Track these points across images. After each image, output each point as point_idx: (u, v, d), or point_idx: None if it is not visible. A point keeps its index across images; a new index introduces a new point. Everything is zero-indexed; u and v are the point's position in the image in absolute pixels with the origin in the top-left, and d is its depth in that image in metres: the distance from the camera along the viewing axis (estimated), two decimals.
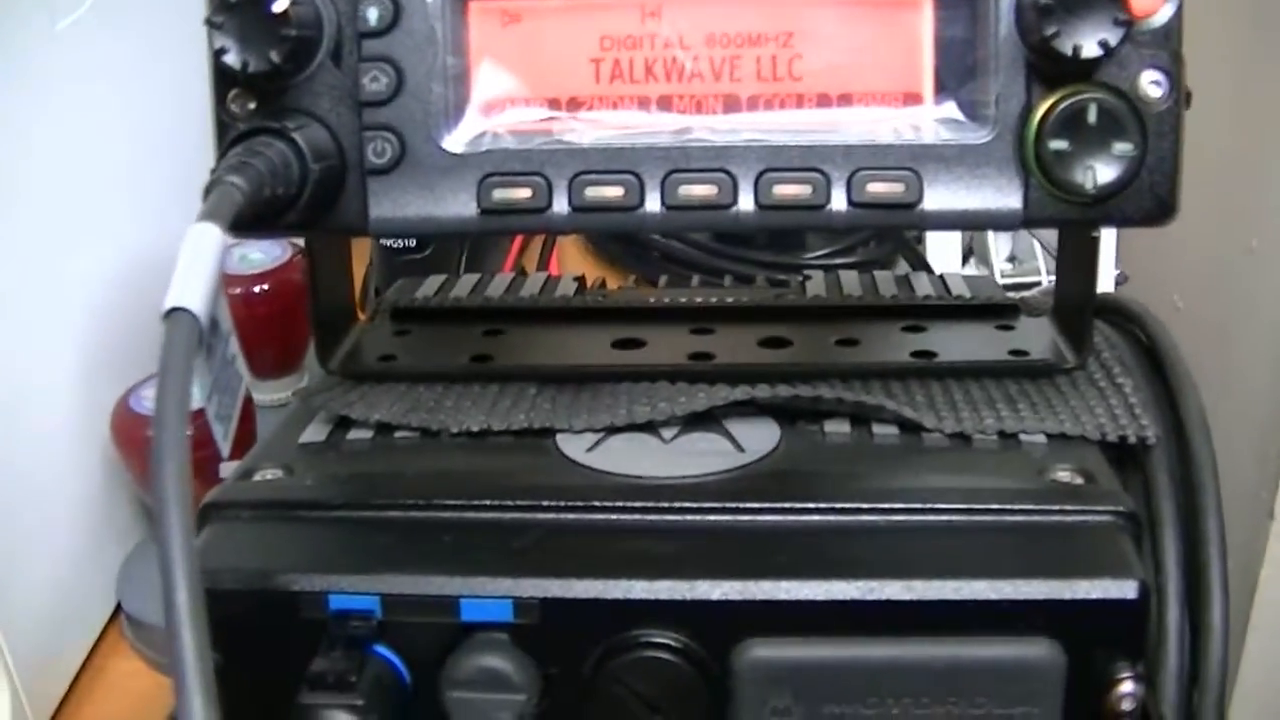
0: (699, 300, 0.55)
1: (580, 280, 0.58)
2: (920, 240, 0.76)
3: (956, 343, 0.50)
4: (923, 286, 0.56)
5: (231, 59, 0.39)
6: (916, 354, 0.49)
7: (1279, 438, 0.57)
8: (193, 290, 0.33)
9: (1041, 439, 0.43)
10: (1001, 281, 0.74)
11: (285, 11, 0.39)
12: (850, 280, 0.57)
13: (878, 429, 0.44)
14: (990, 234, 0.76)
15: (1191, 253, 0.64)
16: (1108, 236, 0.74)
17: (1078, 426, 0.43)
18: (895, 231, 0.77)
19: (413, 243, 0.73)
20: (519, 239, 0.78)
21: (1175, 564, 0.42)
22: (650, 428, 0.44)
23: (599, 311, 0.54)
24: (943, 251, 0.74)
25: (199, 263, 0.34)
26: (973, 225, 0.42)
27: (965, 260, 0.78)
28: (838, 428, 0.44)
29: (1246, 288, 0.61)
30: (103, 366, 0.62)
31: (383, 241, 0.73)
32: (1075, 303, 0.48)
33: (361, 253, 0.75)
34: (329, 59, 0.40)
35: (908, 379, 0.47)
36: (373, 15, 0.40)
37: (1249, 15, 0.61)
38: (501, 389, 0.47)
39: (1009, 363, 0.48)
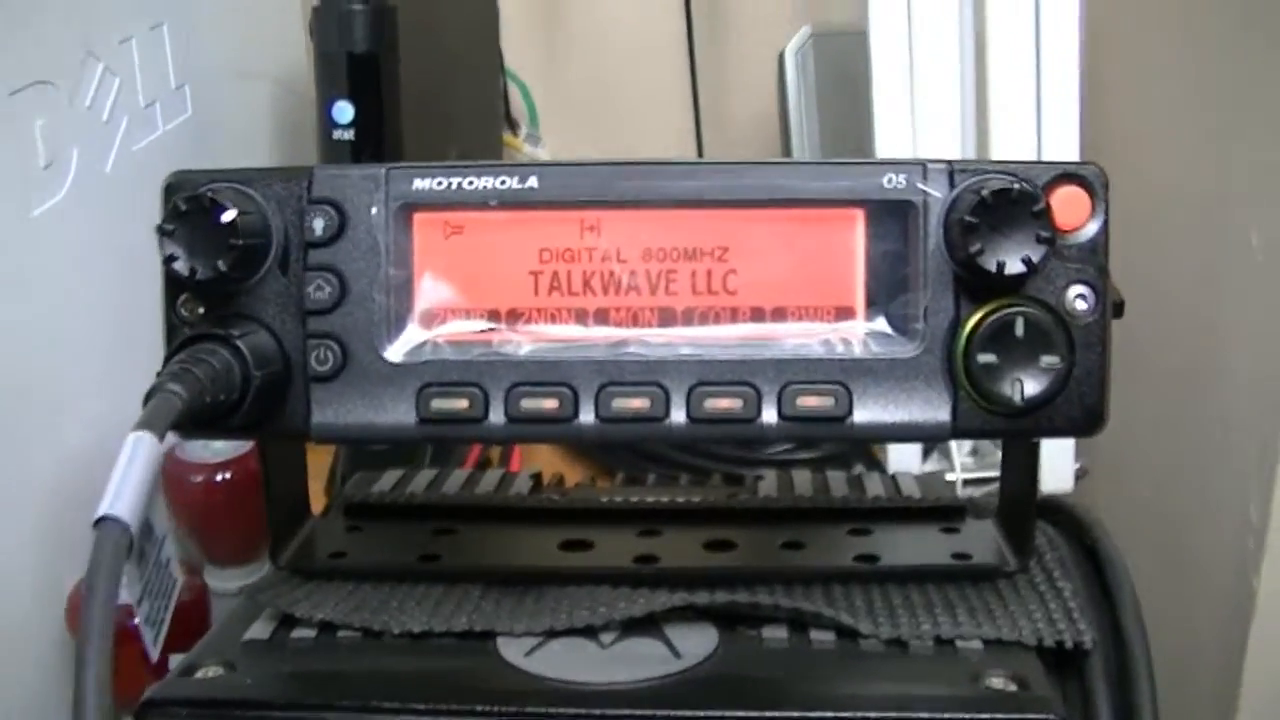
0: (650, 500, 0.53)
1: (536, 477, 0.57)
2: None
3: (900, 546, 0.48)
4: (874, 486, 0.54)
5: (180, 266, 0.38)
6: (860, 557, 0.47)
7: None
8: (124, 499, 0.32)
9: (978, 645, 0.41)
10: (963, 476, 0.72)
11: (234, 221, 0.38)
12: (802, 480, 0.55)
13: (815, 635, 0.42)
14: None
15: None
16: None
17: (1014, 632, 0.42)
18: None
19: None
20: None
21: None
22: (590, 632, 0.43)
23: (550, 512, 0.52)
24: (903, 448, 0.73)
25: (133, 471, 0.33)
26: (902, 438, 0.41)
27: (927, 454, 0.77)
28: (775, 633, 0.42)
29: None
30: (62, 550, 0.60)
31: None
32: (1018, 507, 0.47)
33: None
34: (276, 267, 0.40)
35: (849, 583, 0.45)
36: (319, 226, 0.39)
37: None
38: (447, 590, 0.45)
39: (950, 567, 0.46)
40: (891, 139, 0.67)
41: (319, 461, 0.72)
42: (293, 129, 0.86)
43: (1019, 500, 0.47)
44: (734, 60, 1.03)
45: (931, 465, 0.76)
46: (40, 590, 0.59)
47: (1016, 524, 0.47)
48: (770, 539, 0.49)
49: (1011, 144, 0.68)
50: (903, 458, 0.72)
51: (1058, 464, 0.71)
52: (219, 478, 0.65)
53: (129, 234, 0.65)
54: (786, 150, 0.86)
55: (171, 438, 0.68)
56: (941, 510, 0.51)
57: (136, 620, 0.35)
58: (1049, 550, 0.47)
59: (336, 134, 0.71)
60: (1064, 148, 0.68)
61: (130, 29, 0.68)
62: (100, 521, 0.31)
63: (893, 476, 0.56)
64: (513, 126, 0.99)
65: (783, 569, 0.46)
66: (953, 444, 0.74)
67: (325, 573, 0.47)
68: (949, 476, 0.71)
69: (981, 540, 0.48)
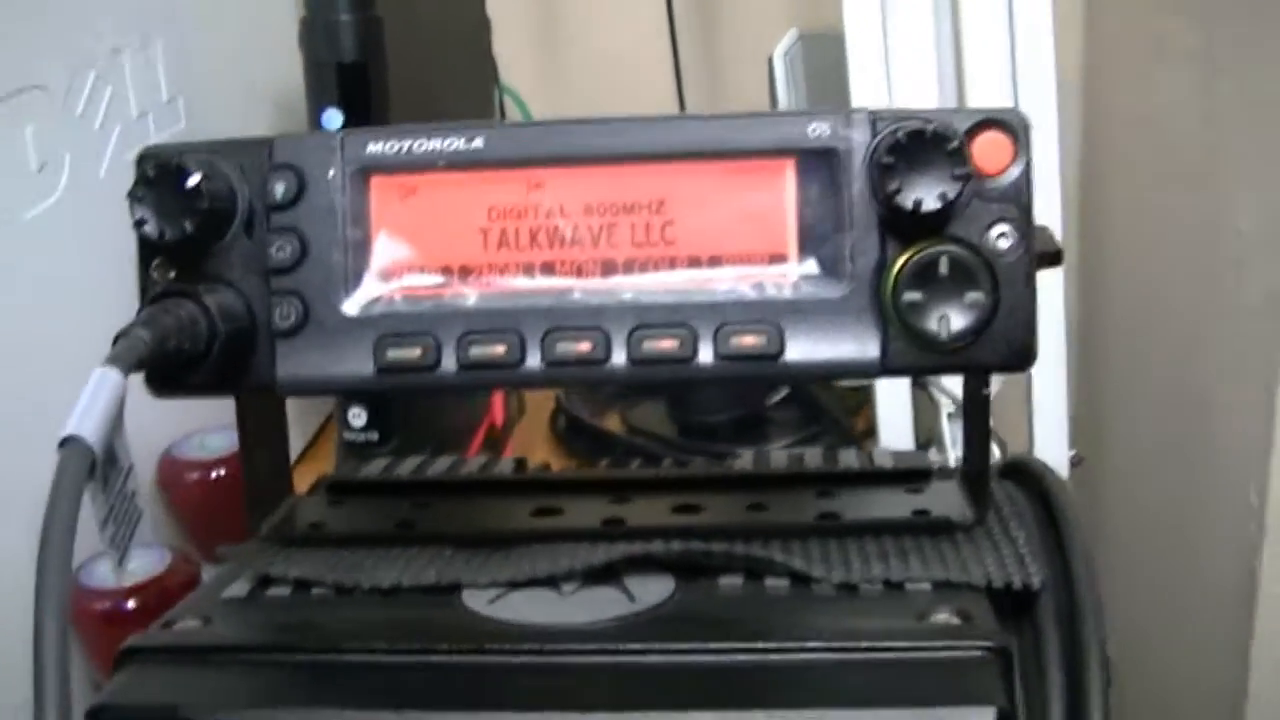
0: (622, 475, 0.57)
1: (520, 462, 0.61)
2: (872, 433, 0.79)
3: (863, 505, 0.52)
4: (847, 460, 0.58)
5: (150, 229, 0.43)
6: (822, 515, 0.51)
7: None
8: (88, 422, 0.37)
9: (927, 587, 0.44)
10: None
11: (199, 185, 0.43)
12: (778, 458, 0.59)
13: (770, 582, 0.46)
14: (944, 421, 0.78)
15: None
16: (1058, 419, 0.77)
17: (964, 575, 0.45)
18: (837, 423, 0.81)
19: (375, 436, 0.76)
20: (482, 432, 0.82)
21: (1059, 699, 0.43)
22: (552, 583, 0.47)
23: (525, 485, 0.56)
24: (897, 440, 0.77)
25: (98, 399, 0.37)
26: (834, 375, 0.45)
27: (924, 450, 0.81)
28: (731, 580, 0.46)
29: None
30: None
31: (345, 437, 0.77)
32: (975, 463, 0.51)
33: (328, 449, 0.79)
34: (242, 229, 0.44)
35: (808, 538, 0.49)
36: (279, 190, 0.44)
37: None
38: (419, 551, 0.49)
39: (907, 521, 0.49)
40: (866, 97, 0.71)
41: (322, 468, 0.77)
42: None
43: (977, 456, 0.50)
44: (724, 64, 1.08)
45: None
46: (29, 577, 0.63)
47: (975, 480, 0.50)
48: (737, 503, 0.53)
49: (988, 98, 0.73)
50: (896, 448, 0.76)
51: (1050, 450, 0.75)
52: (214, 475, 0.70)
53: (123, 240, 0.71)
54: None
55: (167, 438, 0.73)
56: (907, 474, 0.55)
57: (100, 543, 0.39)
58: (1008, 505, 0.50)
59: None
60: (1040, 106, 0.72)
61: (122, 40, 0.74)
62: (64, 442, 0.35)
63: (869, 453, 0.60)
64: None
65: (745, 524, 0.50)
66: (946, 436, 0.78)
67: (304, 540, 0.51)
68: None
69: (943, 498, 0.52)
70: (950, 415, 0.78)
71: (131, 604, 0.67)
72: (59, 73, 0.68)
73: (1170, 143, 0.79)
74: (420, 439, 0.79)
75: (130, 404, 0.39)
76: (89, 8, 0.70)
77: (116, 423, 0.37)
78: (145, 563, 0.70)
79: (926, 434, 0.81)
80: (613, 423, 0.93)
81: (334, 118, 0.77)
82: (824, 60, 0.85)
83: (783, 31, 0.89)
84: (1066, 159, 0.81)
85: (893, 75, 0.71)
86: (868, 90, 0.70)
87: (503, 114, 1.02)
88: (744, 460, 0.59)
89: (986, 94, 0.71)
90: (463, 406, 0.83)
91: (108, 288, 0.70)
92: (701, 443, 0.84)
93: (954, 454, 0.77)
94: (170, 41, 0.78)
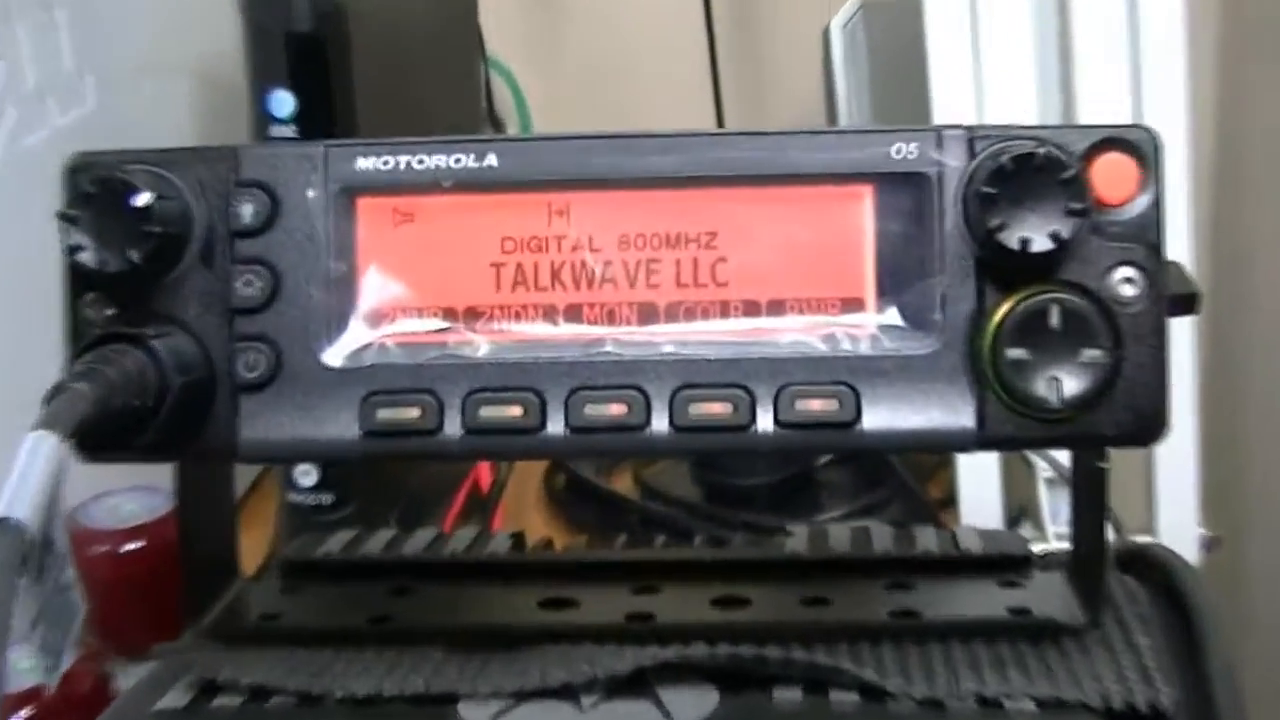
0: (648, 557, 0.60)
1: (517, 537, 0.64)
2: (951, 503, 0.82)
3: (946, 601, 0.54)
4: (925, 541, 0.60)
5: (87, 257, 0.46)
6: (897, 613, 0.53)
7: None
8: (23, 501, 0.39)
9: (1030, 706, 0.47)
10: (1055, 546, 0.78)
11: (149, 206, 0.45)
12: (839, 536, 0.62)
13: (835, 696, 0.48)
14: (1042, 491, 0.81)
15: None
16: (1187, 492, 0.79)
17: (1076, 691, 0.47)
18: (906, 490, 0.83)
19: (328, 499, 0.78)
20: (461, 497, 0.84)
21: None
22: (569, 694, 0.49)
23: (528, 569, 0.59)
24: (981, 512, 0.79)
25: (33, 472, 0.39)
26: (918, 447, 0.47)
27: (1017, 523, 0.83)
28: (787, 694, 0.48)
29: None
30: None
31: (291, 499, 0.79)
32: (1088, 552, 0.53)
33: (267, 514, 0.81)
34: (198, 259, 0.47)
35: (881, 641, 0.51)
36: (247, 212, 0.47)
37: None
38: (401, 651, 0.51)
39: (1004, 621, 0.52)
40: (951, 111, 0.74)
41: (257, 540, 0.79)
42: (225, 127, 0.94)
43: (1090, 543, 0.53)
44: (767, 40, 1.11)
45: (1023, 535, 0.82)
46: None
47: (1087, 573, 0.53)
48: (791, 594, 0.55)
49: (1103, 116, 0.75)
50: (980, 522, 0.79)
51: (1178, 530, 0.77)
52: (126, 548, 0.72)
53: (18, 235, 0.73)
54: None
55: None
56: (1000, 562, 0.57)
57: (28, 651, 0.42)
58: (1128, 605, 0.53)
59: (274, 130, 0.78)
60: (1169, 117, 0.75)
61: (17, 8, 0.76)
62: None
63: (952, 533, 0.62)
64: (496, 124, 1.07)
65: (801, 624, 0.52)
66: (1044, 507, 0.80)
67: (255, 636, 0.53)
68: (1037, 547, 0.78)
69: (1046, 594, 0.54)
70: (1049, 481, 0.81)
71: (23, 716, 0.68)
72: None
73: None
74: (384, 502, 0.81)
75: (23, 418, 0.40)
76: None
77: (54, 500, 0.40)
78: (144, 505, 0.74)
79: (1019, 504, 0.83)
80: (624, 483, 0.95)
81: (282, 101, 0.79)
82: (893, 34, 0.88)
83: (839, 1, 0.92)
84: (1198, 179, 0.84)
85: (982, 54, 0.73)
86: (951, 75, 0.73)
87: (489, 95, 1.04)
88: (796, 539, 0.62)
89: (1100, 85, 0.73)
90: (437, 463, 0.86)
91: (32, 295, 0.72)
92: (737, 511, 0.87)
93: (1052, 529, 0.79)
94: (78, 9, 0.81)
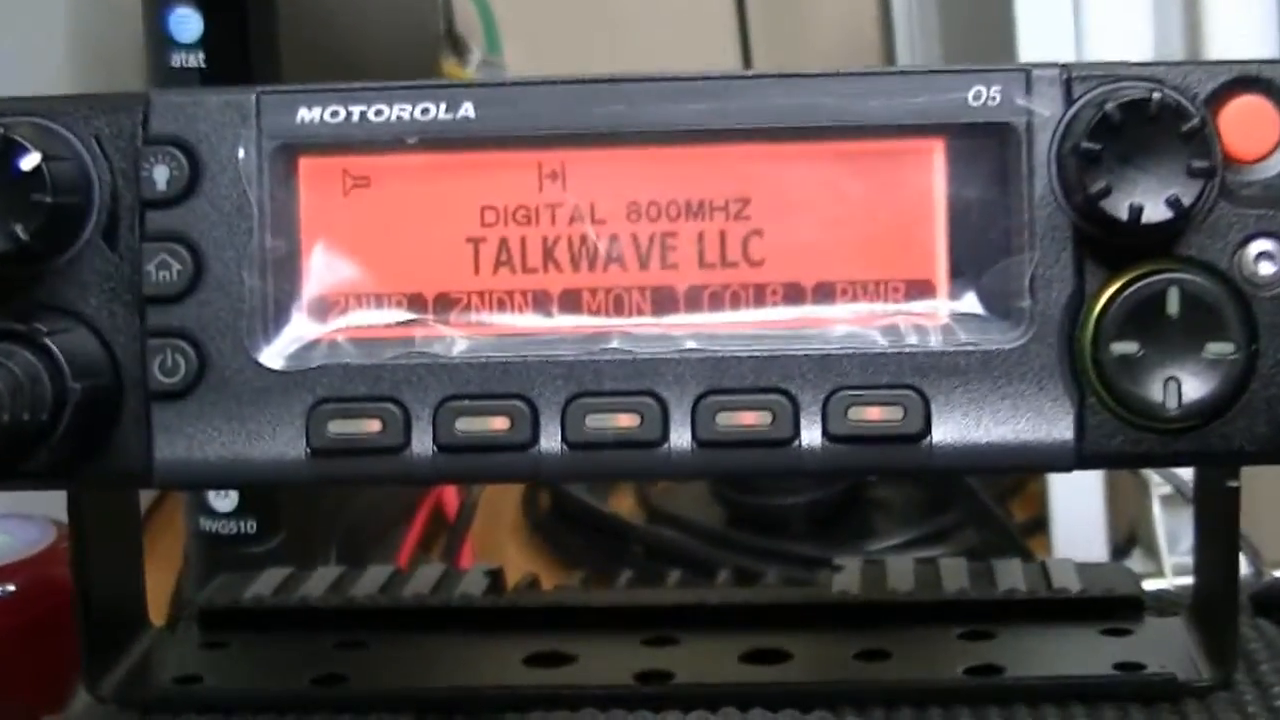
0: (663, 600, 0.61)
1: (495, 575, 0.65)
2: (1041, 527, 0.83)
3: (1037, 654, 0.56)
4: (1009, 576, 0.62)
5: None
6: (974, 669, 0.55)
7: None
8: None
9: None
10: (1175, 582, 0.80)
11: (39, 169, 0.46)
12: (901, 572, 0.63)
13: None
14: (1157, 511, 0.82)
15: None
16: None
17: None
18: (984, 512, 0.84)
19: (252, 528, 0.79)
20: (419, 523, 0.85)
21: None
22: None
23: (512, 615, 0.60)
24: (1080, 539, 0.81)
25: None
26: (1004, 467, 0.48)
27: (1123, 554, 0.85)
28: None
29: None
30: None
31: (202, 525, 0.80)
32: (1215, 595, 0.54)
33: (172, 545, 0.82)
34: (99, 236, 0.48)
35: (954, 705, 0.53)
36: (161, 176, 0.48)
37: None
38: None
39: (1109, 679, 0.53)
40: (1042, 45, 0.75)
41: (159, 580, 0.80)
42: (107, 53, 0.94)
43: (1216, 582, 0.54)
44: None
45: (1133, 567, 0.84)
46: None
47: (1214, 619, 0.54)
48: (842, 647, 0.57)
49: (1237, 45, 0.76)
50: (1079, 555, 0.80)
51: None
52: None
53: None
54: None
55: None
56: (1105, 604, 0.59)
57: None
58: (1266, 657, 0.54)
59: (176, 58, 0.78)
60: None
61: None
62: None
63: (1042, 565, 0.63)
64: (458, 49, 1.07)
65: (856, 684, 0.54)
66: (1159, 531, 0.82)
67: (171, 704, 0.55)
68: (1151, 584, 0.79)
69: (1163, 644, 0.56)
70: (1166, 499, 0.82)
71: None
72: None
73: None
74: (321, 530, 0.83)
75: None
76: None
77: None
78: (19, 538, 0.74)
79: (1128, 527, 0.85)
80: (624, 503, 0.96)
81: (186, 21, 0.79)
82: None
83: None
84: None
85: None
86: (1043, 15, 0.74)
87: (449, 9, 1.05)
88: (846, 576, 0.63)
89: (1234, 28, 0.74)
90: None
91: None
92: (769, 539, 0.88)
93: (1170, 560, 0.81)
94: None
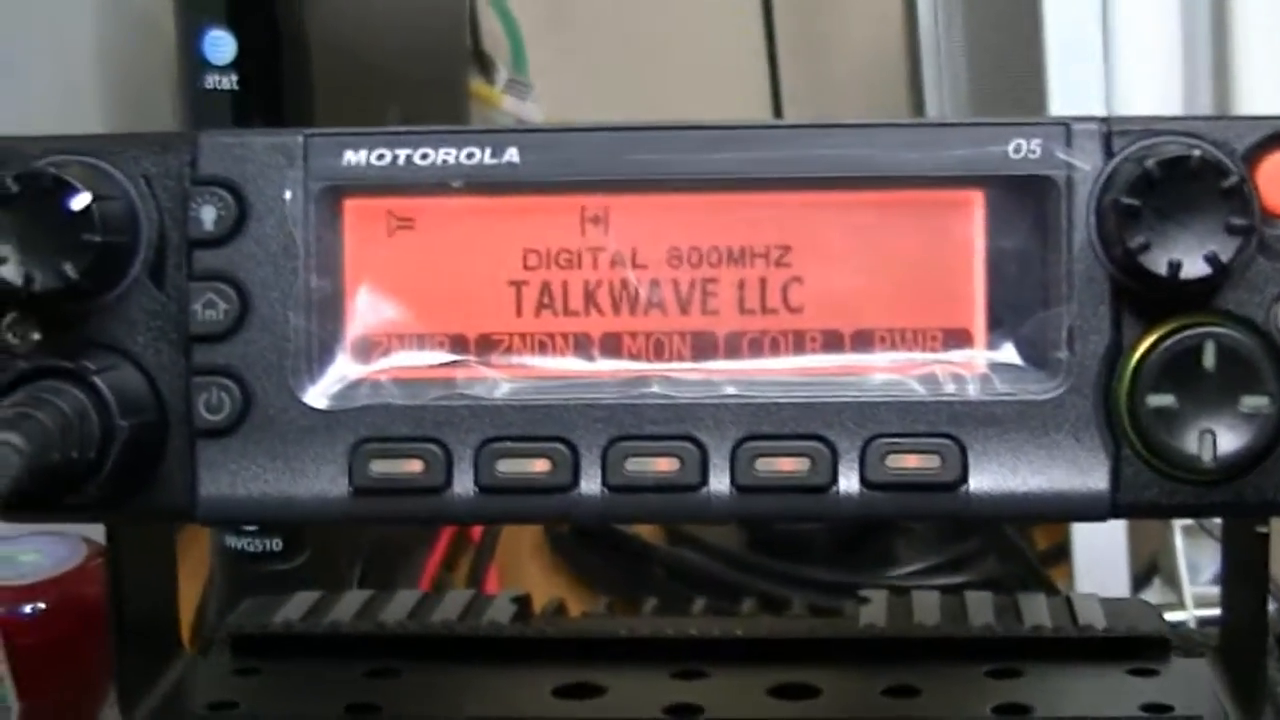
0: (691, 632, 0.62)
1: (522, 601, 0.66)
2: (1063, 555, 0.84)
3: (1065, 693, 0.57)
4: (1035, 613, 0.62)
5: (9, 272, 0.47)
6: (1002, 708, 0.55)
7: None
8: None
9: None
10: (1196, 614, 0.80)
11: (88, 209, 0.47)
12: (927, 605, 0.64)
13: None
14: (1178, 541, 0.83)
15: None
16: None
17: None
18: (1006, 542, 0.84)
19: (277, 545, 0.80)
20: (442, 544, 0.86)
21: None
22: None
23: (541, 644, 0.61)
24: (1101, 570, 0.81)
25: None
26: (1039, 515, 0.49)
27: (1144, 583, 0.86)
28: None
29: None
30: None
31: (228, 542, 0.81)
32: (1244, 635, 0.55)
33: (198, 560, 0.83)
34: (146, 275, 0.49)
35: None
36: (209, 217, 0.48)
37: None
38: None
39: None
40: (1072, 93, 0.75)
41: (186, 592, 0.81)
42: (139, 75, 0.95)
43: (1245, 624, 0.55)
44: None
45: (1152, 599, 0.84)
46: None
47: (1243, 660, 0.55)
48: (870, 683, 0.57)
49: (1264, 96, 0.77)
50: (1099, 587, 0.81)
51: None
52: (28, 610, 0.74)
53: None
54: (918, 113, 0.95)
55: None
56: (1132, 643, 0.59)
57: None
58: None
59: (210, 80, 0.79)
60: None
61: None
62: None
63: (1066, 599, 0.64)
64: (486, 70, 1.08)
65: None
66: (1180, 562, 0.82)
67: None
68: (1173, 615, 0.80)
69: (1190, 686, 0.56)
70: (1187, 529, 0.82)
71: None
72: None
73: None
74: (345, 549, 0.83)
75: None
76: None
77: None
78: (50, 556, 0.75)
79: (1150, 556, 0.85)
80: (646, 527, 0.97)
81: (220, 44, 0.80)
82: None
83: None
84: None
85: (1113, 22, 0.75)
86: (1074, 49, 0.74)
87: (475, 27, 1.06)
88: (873, 608, 0.64)
89: (1262, 78, 0.74)
90: None
91: None
92: (792, 566, 0.89)
93: (1191, 591, 0.81)
94: None
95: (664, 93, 1.12)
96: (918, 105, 0.96)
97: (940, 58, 0.93)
